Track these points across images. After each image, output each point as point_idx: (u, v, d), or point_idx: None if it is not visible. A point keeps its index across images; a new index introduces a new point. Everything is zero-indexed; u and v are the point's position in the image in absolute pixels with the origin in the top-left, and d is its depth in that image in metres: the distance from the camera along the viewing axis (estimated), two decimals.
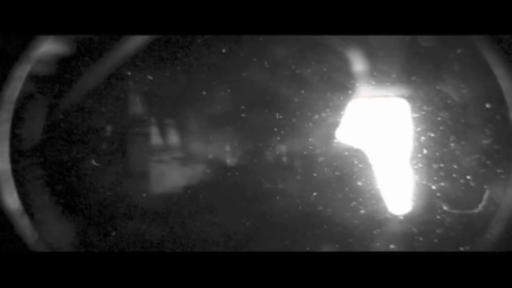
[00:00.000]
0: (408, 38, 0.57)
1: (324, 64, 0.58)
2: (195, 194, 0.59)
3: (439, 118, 0.57)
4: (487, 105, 0.56)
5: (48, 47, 0.56)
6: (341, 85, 0.58)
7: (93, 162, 0.58)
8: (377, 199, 0.57)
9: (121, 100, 0.59)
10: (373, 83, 0.58)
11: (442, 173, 0.57)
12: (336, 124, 0.58)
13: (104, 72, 0.58)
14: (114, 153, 0.58)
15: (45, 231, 0.55)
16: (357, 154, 0.58)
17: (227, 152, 0.59)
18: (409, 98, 0.58)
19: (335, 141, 0.58)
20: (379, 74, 0.58)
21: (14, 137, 0.56)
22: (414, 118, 0.57)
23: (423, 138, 0.57)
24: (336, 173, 0.58)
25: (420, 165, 0.57)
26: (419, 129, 0.57)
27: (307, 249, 0.57)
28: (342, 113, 0.58)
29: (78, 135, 0.58)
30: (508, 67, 0.54)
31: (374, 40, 0.58)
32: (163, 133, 0.59)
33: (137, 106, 0.59)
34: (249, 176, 0.58)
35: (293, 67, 0.58)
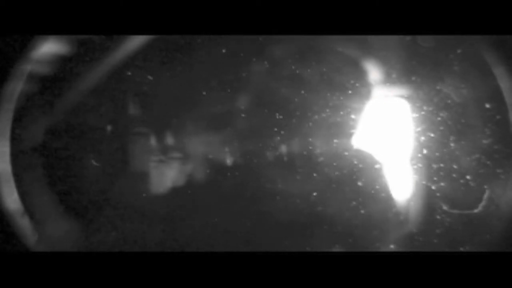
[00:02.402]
0: (408, 38, 0.57)
1: (324, 64, 0.58)
2: (195, 194, 0.59)
3: (439, 118, 0.57)
4: (487, 105, 0.56)
5: (48, 47, 0.56)
6: (341, 85, 0.58)
7: (93, 162, 0.58)
8: (377, 199, 0.57)
9: (121, 100, 0.59)
10: (373, 83, 0.58)
11: (442, 173, 0.57)
12: (336, 124, 0.58)
13: (104, 72, 0.58)
14: (114, 153, 0.58)
15: (45, 231, 0.56)
16: (357, 154, 0.58)
17: (227, 152, 0.59)
18: (409, 98, 0.58)
19: (335, 141, 0.58)
20: (379, 74, 0.58)
21: (14, 137, 0.56)
22: (414, 118, 0.57)
23: (423, 138, 0.57)
24: (336, 173, 0.58)
25: (420, 165, 0.57)
26: (419, 129, 0.57)
27: (307, 249, 0.57)
28: (342, 113, 0.58)
29: (78, 135, 0.58)
30: (508, 67, 0.54)
31: (374, 40, 0.58)
32: (163, 133, 0.59)
33: (137, 106, 0.59)
34: (249, 176, 0.58)
35: (293, 67, 0.58)
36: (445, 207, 0.56)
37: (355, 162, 0.58)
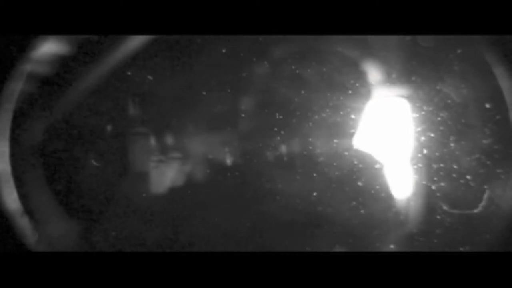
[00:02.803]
0: (408, 38, 0.57)
1: (324, 64, 0.58)
2: (195, 194, 0.59)
3: (439, 118, 0.57)
4: (487, 105, 0.56)
5: (48, 47, 0.56)
6: (341, 85, 0.58)
7: (93, 162, 0.58)
8: (377, 199, 0.57)
9: (121, 100, 0.59)
10: (373, 83, 0.58)
11: (442, 173, 0.57)
12: (336, 124, 0.58)
13: (104, 72, 0.58)
14: (114, 153, 0.58)
15: (45, 231, 0.56)
16: (357, 154, 0.58)
17: (227, 152, 0.59)
18: (409, 98, 0.58)
19: (335, 141, 0.58)
20: (379, 74, 0.58)
21: (14, 137, 0.56)
22: (414, 118, 0.57)
23: (423, 138, 0.57)
24: (336, 173, 0.58)
25: (420, 165, 0.57)
26: (419, 129, 0.57)
27: (307, 249, 0.57)
28: (342, 113, 0.58)
29: (78, 135, 0.58)
30: (508, 67, 0.54)
31: (374, 40, 0.58)
32: (163, 133, 0.59)
33: (137, 106, 0.59)
34: (249, 176, 0.58)
35: (293, 67, 0.58)
36: (445, 207, 0.56)
37: (355, 162, 0.58)
